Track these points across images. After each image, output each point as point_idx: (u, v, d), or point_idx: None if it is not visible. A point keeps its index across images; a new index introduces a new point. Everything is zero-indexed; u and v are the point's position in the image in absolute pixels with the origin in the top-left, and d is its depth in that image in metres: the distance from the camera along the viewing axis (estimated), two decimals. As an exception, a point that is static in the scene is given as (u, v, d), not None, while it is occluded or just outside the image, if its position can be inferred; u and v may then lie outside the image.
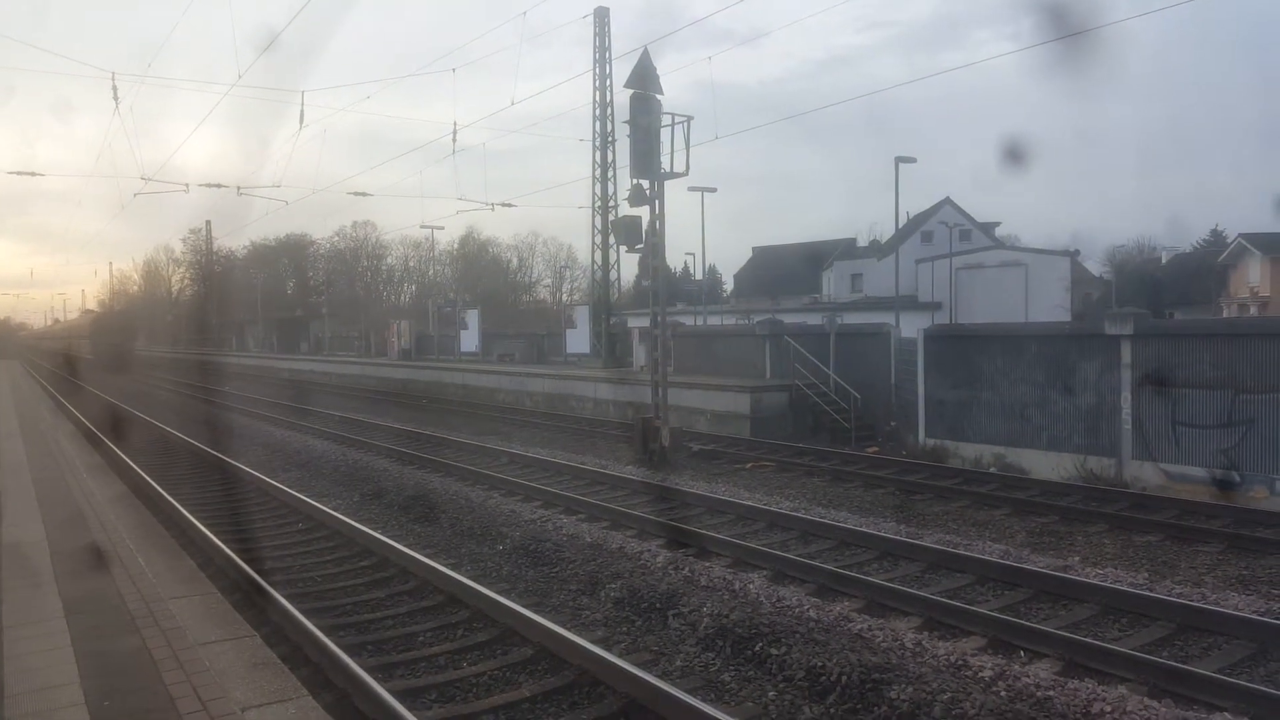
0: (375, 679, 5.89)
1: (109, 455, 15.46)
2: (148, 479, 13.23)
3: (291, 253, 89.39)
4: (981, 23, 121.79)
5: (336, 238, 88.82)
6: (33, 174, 52.52)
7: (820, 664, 6.30)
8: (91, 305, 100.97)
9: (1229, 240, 47.28)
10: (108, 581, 7.04)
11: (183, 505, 11.43)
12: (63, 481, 12.08)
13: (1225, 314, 39.61)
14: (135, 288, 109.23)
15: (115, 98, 20.46)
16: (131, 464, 14.52)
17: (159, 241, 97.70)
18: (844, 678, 6.09)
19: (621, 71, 32.71)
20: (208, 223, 75.67)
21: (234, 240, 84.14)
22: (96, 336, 52.91)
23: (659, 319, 17.89)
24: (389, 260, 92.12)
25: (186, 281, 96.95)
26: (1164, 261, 54.21)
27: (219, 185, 29.34)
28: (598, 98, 34.22)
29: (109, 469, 13.79)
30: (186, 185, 27.97)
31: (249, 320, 76.17)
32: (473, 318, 48.00)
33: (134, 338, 55.95)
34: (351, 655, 6.36)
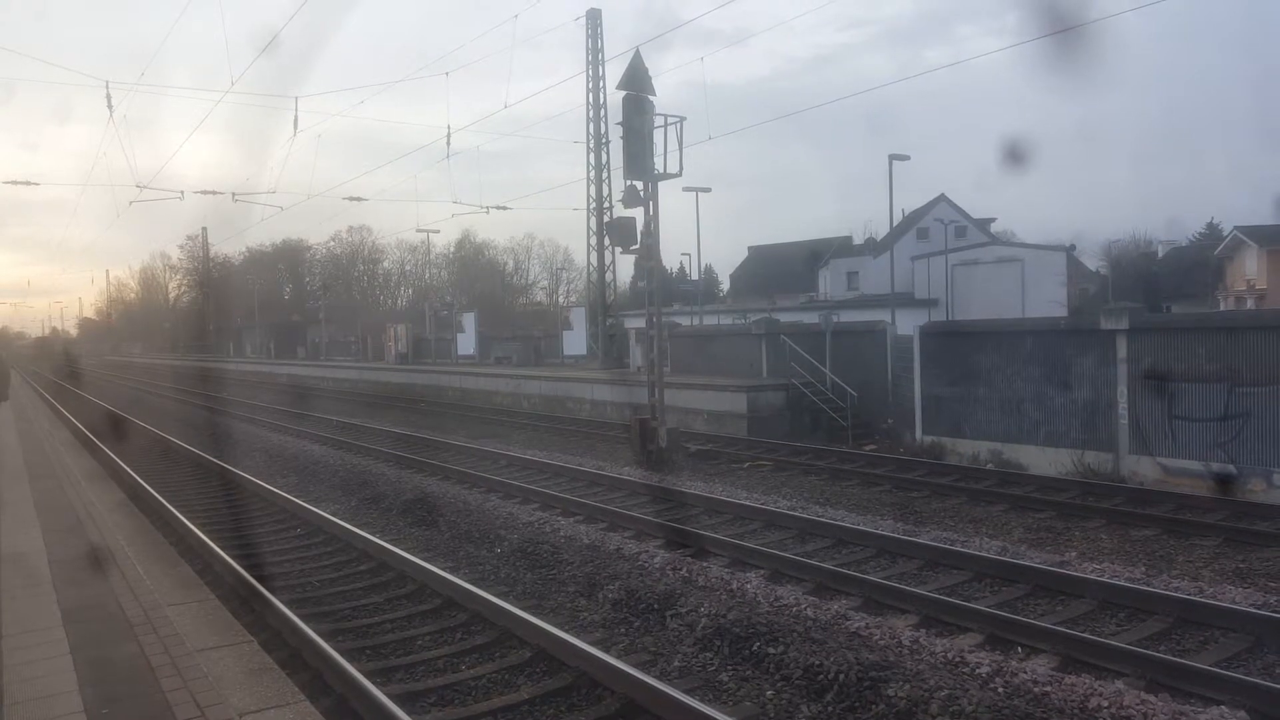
0: (373, 683, 5.89)
1: (107, 461, 15.45)
2: (145, 484, 13.22)
3: (288, 258, 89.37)
4: (964, 18, 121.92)
5: (332, 243, 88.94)
6: (28, 183, 52.33)
7: (818, 662, 6.30)
8: (89, 314, 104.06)
9: (1225, 233, 47.30)
10: (106, 589, 7.04)
11: (180, 511, 11.42)
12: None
13: (1222, 307, 39.62)
14: (133, 295, 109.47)
15: (109, 105, 20.57)
16: (128, 469, 14.51)
17: (156, 248, 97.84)
18: (841, 676, 6.10)
19: (614, 73, 32.71)
20: (204, 229, 75.88)
21: (230, 246, 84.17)
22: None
23: (655, 319, 17.90)
24: (385, 264, 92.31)
25: (184, 288, 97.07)
26: (1160, 256, 54.26)
27: (214, 192, 29.35)
28: (591, 99, 34.21)
29: (108, 475, 13.78)
30: (181, 193, 27.92)
31: (246, 326, 76.14)
32: (469, 321, 48.00)
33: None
34: (350, 660, 6.36)
